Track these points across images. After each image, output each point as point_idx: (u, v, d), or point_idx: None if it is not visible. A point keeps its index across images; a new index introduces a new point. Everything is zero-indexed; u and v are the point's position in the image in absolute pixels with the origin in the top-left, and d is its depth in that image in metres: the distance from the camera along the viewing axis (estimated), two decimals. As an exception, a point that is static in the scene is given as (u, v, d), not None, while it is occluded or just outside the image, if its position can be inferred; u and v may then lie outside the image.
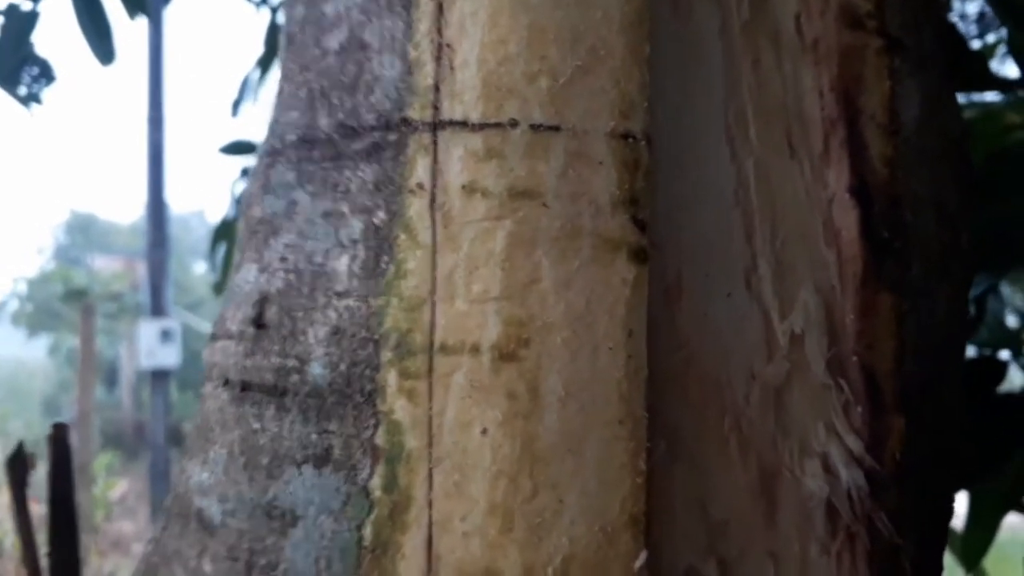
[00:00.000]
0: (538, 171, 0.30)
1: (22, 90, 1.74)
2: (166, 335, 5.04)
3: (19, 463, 0.45)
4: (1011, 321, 0.99)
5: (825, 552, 0.33)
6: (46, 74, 1.76)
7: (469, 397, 0.30)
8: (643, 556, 0.30)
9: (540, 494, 0.30)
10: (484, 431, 0.30)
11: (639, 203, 0.31)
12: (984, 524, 1.04)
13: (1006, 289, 1.12)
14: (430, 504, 0.30)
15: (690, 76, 0.34)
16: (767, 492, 0.33)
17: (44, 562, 0.47)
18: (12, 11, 1.56)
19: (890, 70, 0.36)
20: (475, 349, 0.30)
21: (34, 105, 1.72)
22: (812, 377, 0.34)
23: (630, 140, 0.31)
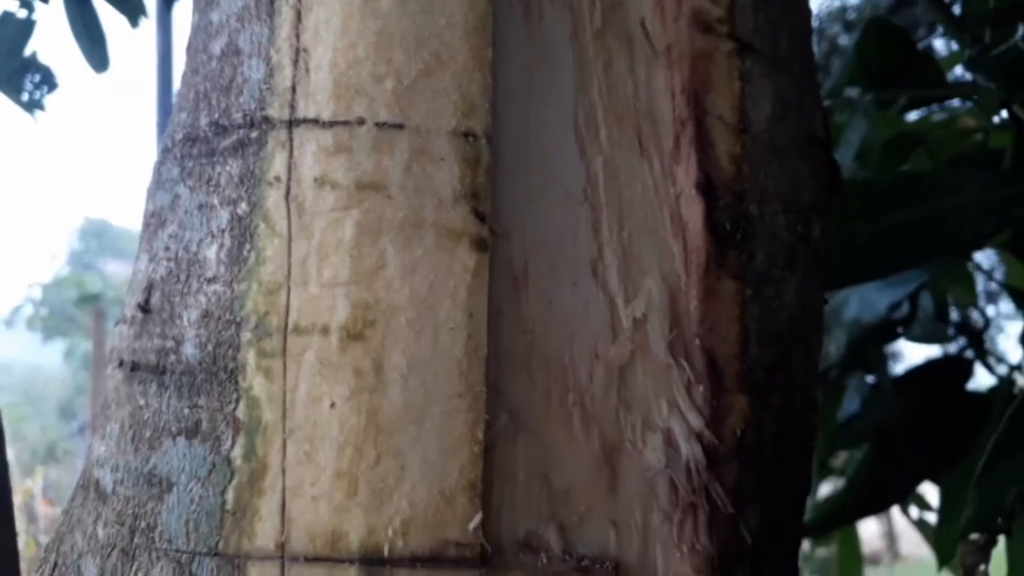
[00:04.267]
0: (383, 165, 0.33)
1: (24, 97, 1.79)
2: (175, 338, 5.09)
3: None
4: (956, 318, 1.00)
5: (667, 520, 0.36)
6: (48, 81, 1.81)
7: (319, 374, 0.33)
8: (478, 518, 0.33)
9: (383, 461, 0.32)
10: (332, 405, 0.33)
11: (480, 197, 0.34)
12: (956, 517, 1.06)
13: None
14: (283, 472, 0.33)
15: (540, 79, 0.37)
16: (609, 464, 0.36)
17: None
18: (7, 19, 1.61)
19: (740, 72, 0.39)
20: (325, 330, 0.33)
21: (45, 112, 1.77)
22: (655, 358, 0.36)
23: (471, 138, 0.34)
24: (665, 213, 0.38)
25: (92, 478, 0.39)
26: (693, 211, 0.37)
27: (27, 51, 1.70)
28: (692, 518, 0.36)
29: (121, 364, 0.38)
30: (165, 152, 0.39)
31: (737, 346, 0.37)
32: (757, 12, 0.40)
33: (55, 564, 0.39)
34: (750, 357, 0.37)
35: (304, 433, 0.33)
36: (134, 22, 1.61)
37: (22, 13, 1.67)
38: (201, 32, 0.39)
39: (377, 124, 0.33)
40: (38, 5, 1.66)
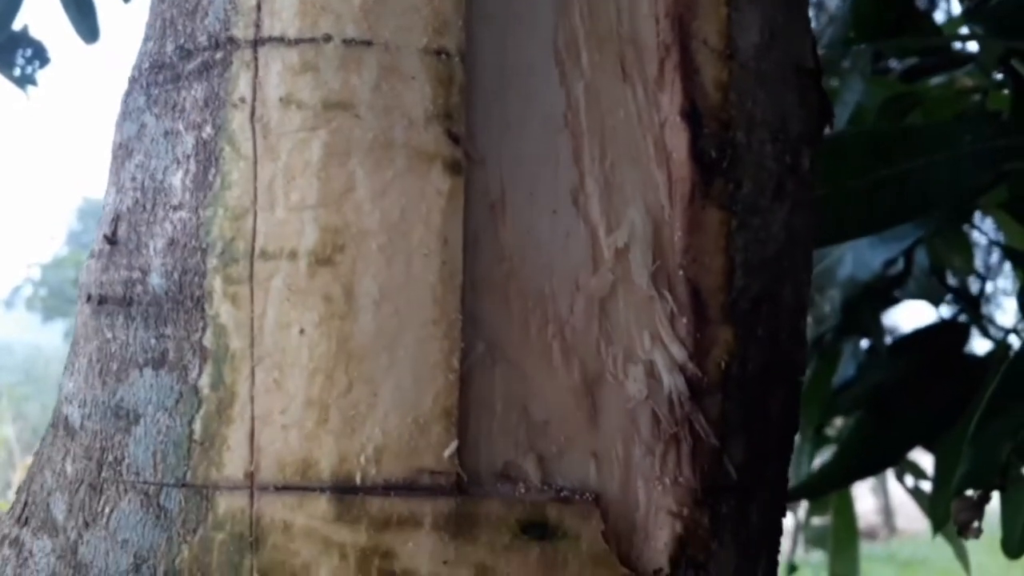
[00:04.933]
0: (351, 84, 0.32)
1: (16, 72, 1.77)
2: (173, 317, 5.10)
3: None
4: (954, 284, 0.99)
5: (649, 453, 0.35)
6: (40, 56, 1.78)
7: (287, 300, 0.32)
8: (453, 446, 0.32)
9: (355, 389, 0.31)
10: (302, 331, 0.32)
11: (453, 118, 0.33)
12: (950, 482, 1.05)
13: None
14: (252, 400, 0.32)
15: (518, 1, 0.35)
16: (590, 395, 0.35)
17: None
18: (-7, -8, 1.58)
19: (726, -3, 0.38)
20: (293, 255, 0.32)
21: (38, 90, 1.75)
22: (637, 289, 0.35)
23: (443, 56, 0.33)
24: (649, 141, 0.37)
25: (61, 415, 0.38)
26: (678, 139, 0.36)
27: (18, 25, 1.68)
28: (675, 450, 0.35)
29: (89, 299, 0.37)
30: (132, 82, 0.38)
31: (722, 277, 0.36)
32: (744, -66, 0.39)
33: (25, 503, 0.38)
34: (735, 289, 0.36)
35: (273, 360, 0.32)
36: (126, -5, 1.58)
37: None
38: (168, -42, 0.38)
39: (344, 41, 0.32)
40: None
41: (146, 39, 0.39)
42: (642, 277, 0.35)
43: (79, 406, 0.36)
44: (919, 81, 1.13)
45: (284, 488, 0.31)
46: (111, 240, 0.36)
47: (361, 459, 0.31)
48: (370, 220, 0.32)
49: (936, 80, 1.22)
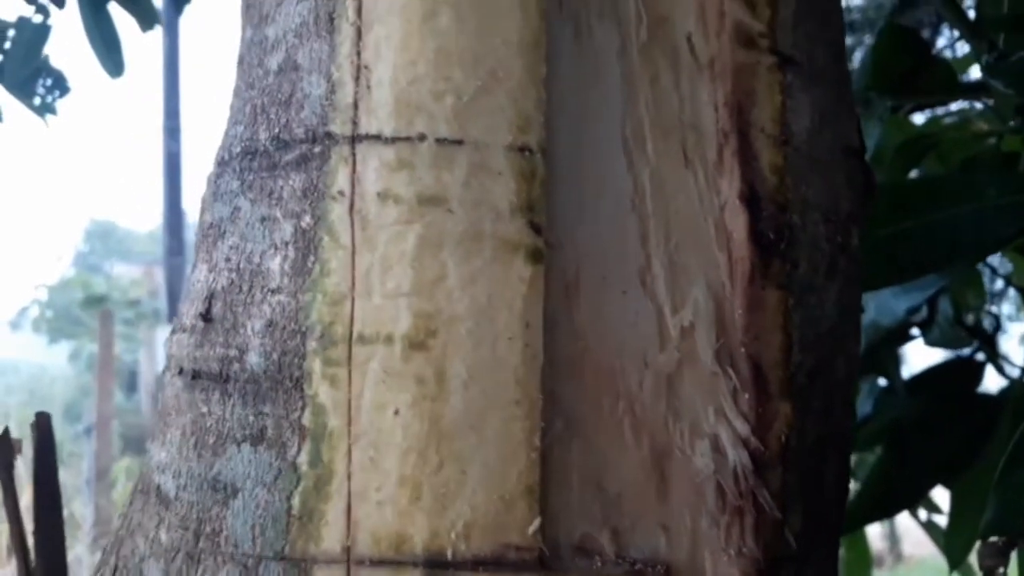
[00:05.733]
0: (444, 180, 0.34)
1: (37, 101, 1.80)
2: (181, 340, 5.10)
3: (4, 447, 0.49)
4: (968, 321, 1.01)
5: (715, 524, 0.37)
6: (60, 85, 1.82)
7: (383, 382, 0.34)
8: (537, 522, 0.34)
9: (445, 467, 0.33)
10: (396, 412, 0.34)
11: (535, 209, 0.35)
12: (966, 521, 1.07)
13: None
14: (349, 477, 0.34)
15: (590, 94, 0.38)
16: (659, 469, 0.37)
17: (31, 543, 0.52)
18: (23, 24, 1.62)
19: (781, 85, 0.40)
20: (389, 339, 0.34)
21: (50, 115, 1.78)
22: (702, 366, 0.37)
23: (527, 153, 0.35)
24: (710, 223, 0.39)
25: (152, 483, 0.40)
26: (737, 221, 0.39)
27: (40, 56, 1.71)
28: (739, 522, 0.37)
29: (181, 372, 0.39)
30: (222, 164, 0.40)
31: (781, 354, 0.38)
32: (797, 26, 0.41)
33: (116, 567, 0.40)
34: (793, 364, 0.39)
35: (369, 439, 0.34)
36: (145, 27, 1.62)
37: (37, 18, 1.68)
38: (256, 47, 0.40)
39: (437, 140, 0.34)
40: (52, 10, 1.68)
41: (234, 122, 0.41)
42: (707, 354, 0.37)
43: (173, 476, 0.38)
44: (930, 112, 1.15)
45: (379, 562, 0.33)
46: (206, 318, 0.38)
47: (452, 535, 0.33)
48: (460, 306, 0.34)
49: (948, 119, 1.25)
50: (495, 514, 0.33)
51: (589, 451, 0.36)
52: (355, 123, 0.35)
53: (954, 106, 1.27)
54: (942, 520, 1.27)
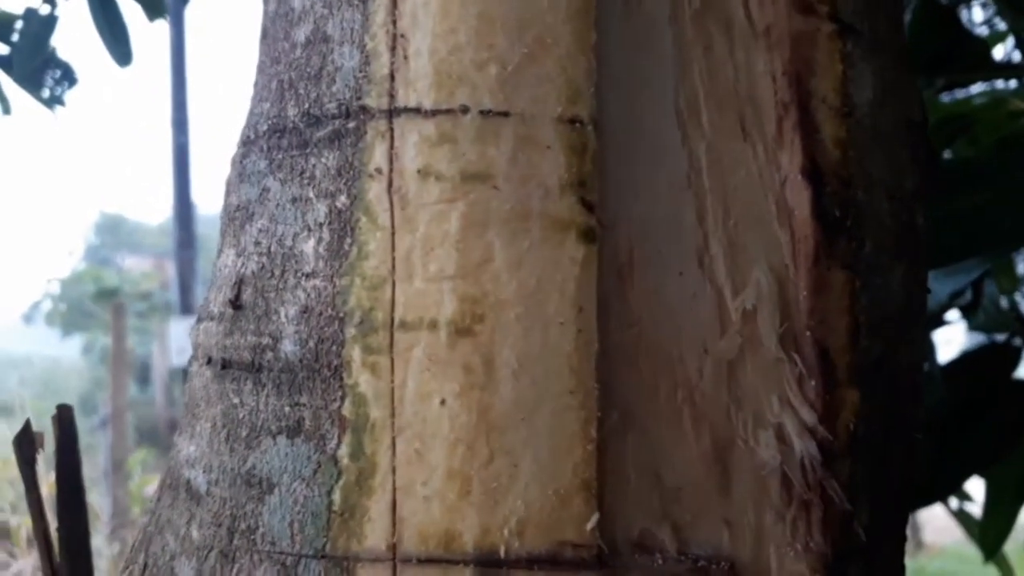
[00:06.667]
0: (488, 155, 0.32)
1: (45, 92, 1.79)
2: (195, 333, 5.12)
3: (26, 442, 0.47)
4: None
5: (780, 519, 0.35)
6: (68, 77, 1.80)
7: (428, 370, 0.32)
8: (595, 518, 0.32)
9: (496, 460, 0.31)
10: (443, 402, 0.32)
11: (587, 185, 0.33)
12: (1002, 512, 1.04)
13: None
14: (393, 471, 0.32)
15: (641, 63, 0.35)
16: (721, 461, 0.34)
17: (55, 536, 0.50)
18: (31, 15, 1.60)
19: (842, 54, 0.38)
20: (433, 325, 0.32)
21: (59, 108, 1.77)
22: (765, 352, 0.35)
23: (577, 125, 0.33)
24: (770, 200, 0.36)
25: (182, 478, 0.38)
26: (799, 198, 0.36)
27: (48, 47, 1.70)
28: (806, 516, 0.35)
29: (210, 361, 0.37)
30: (248, 144, 0.38)
31: (848, 338, 0.36)
32: (858, -9, 0.39)
33: (145, 565, 0.38)
34: (860, 349, 0.36)
35: (414, 431, 0.32)
36: (152, 16, 1.60)
37: (45, 9, 1.66)
38: (280, 19, 0.38)
39: (481, 112, 0.32)
40: (59, 1, 1.66)
41: (259, 99, 0.39)
42: (770, 339, 0.35)
43: (204, 471, 0.36)
44: (957, 92, 1.12)
45: (427, 560, 0.31)
46: (236, 304, 0.36)
47: (504, 532, 0.31)
48: (508, 290, 0.32)
49: (979, 98, 1.22)
50: (550, 510, 0.31)
51: (646, 443, 0.34)
52: (392, 96, 0.33)
53: (984, 86, 1.24)
54: (972, 508, 1.25)
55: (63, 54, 1.75)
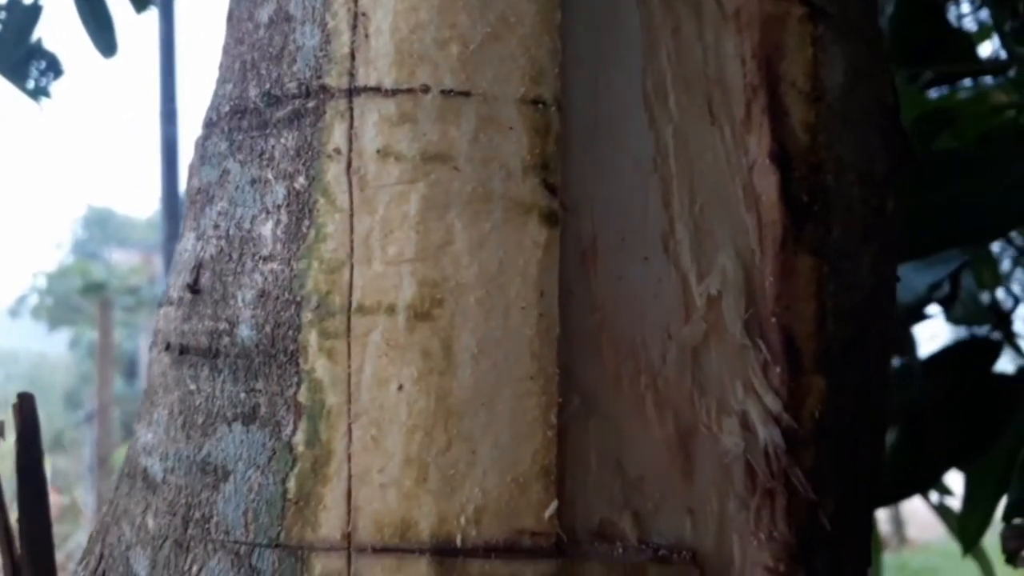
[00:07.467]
0: (450, 135, 0.31)
1: (30, 84, 1.77)
2: (181, 327, 5.10)
3: (-15, 431, 0.46)
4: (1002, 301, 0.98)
5: (744, 507, 0.34)
6: (54, 68, 1.78)
7: (385, 355, 0.31)
8: (553, 506, 0.31)
9: (454, 447, 0.31)
10: (400, 387, 0.31)
11: (550, 167, 0.32)
12: (980, 506, 1.04)
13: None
14: (349, 458, 0.31)
15: (607, 44, 0.35)
16: (684, 449, 0.34)
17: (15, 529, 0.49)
18: (14, 5, 1.58)
19: (812, 37, 0.37)
20: (391, 309, 0.31)
21: (45, 100, 1.75)
22: (730, 338, 0.35)
23: (540, 106, 0.32)
24: (738, 184, 0.36)
25: (139, 466, 0.37)
26: (767, 182, 0.36)
27: (32, 37, 1.68)
28: (770, 505, 0.34)
29: (168, 347, 0.37)
30: (210, 126, 0.37)
31: (814, 324, 0.35)
32: (829, -26, 0.38)
33: (101, 555, 0.37)
34: (827, 336, 0.36)
35: (371, 417, 0.31)
36: (139, 8, 1.58)
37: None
38: (246, 0, 0.37)
39: (442, 92, 0.31)
40: (42, -11, 1.64)
41: (222, 80, 0.38)
42: (735, 325, 0.35)
43: (160, 459, 0.35)
44: (945, 87, 1.12)
45: (383, 550, 0.30)
46: (194, 289, 0.35)
47: (461, 520, 0.30)
48: (468, 273, 0.31)
49: (964, 93, 1.22)
50: (508, 497, 0.31)
51: (608, 429, 0.33)
52: (352, 75, 0.32)
53: (969, 80, 1.24)
54: (953, 502, 1.25)
55: (49, 45, 1.73)
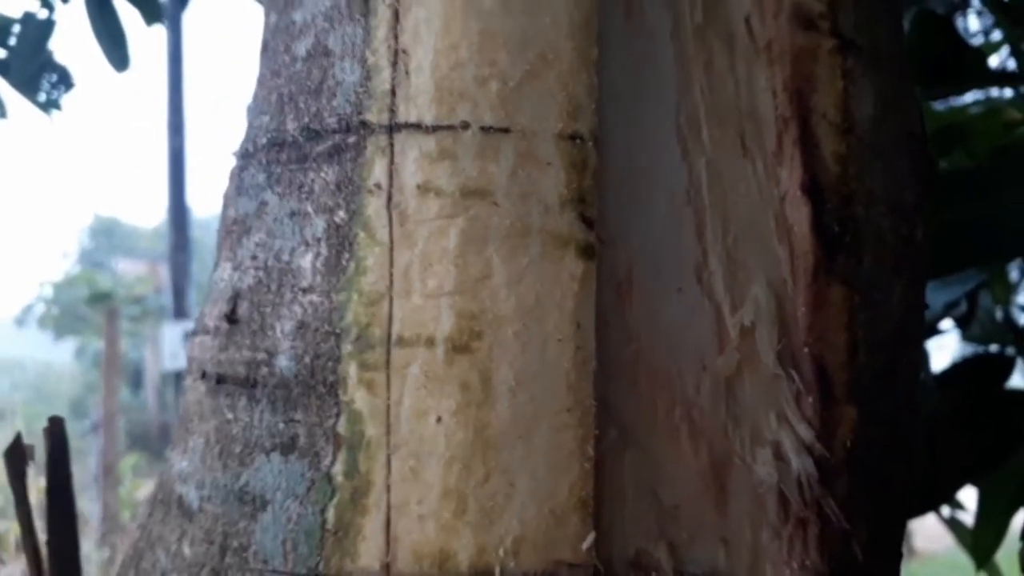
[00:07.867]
0: (489, 171, 0.32)
1: (41, 96, 1.78)
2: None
3: (17, 454, 0.47)
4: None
5: (776, 537, 0.34)
6: (65, 81, 1.80)
7: (424, 387, 0.31)
8: (591, 537, 0.31)
9: (492, 478, 0.31)
10: (439, 419, 0.31)
11: (587, 201, 0.33)
12: (994, 521, 1.04)
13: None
14: (388, 489, 0.31)
15: (642, 78, 0.35)
16: (718, 479, 0.34)
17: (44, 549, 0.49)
18: (28, 19, 1.60)
19: (843, 70, 0.37)
20: (430, 342, 0.32)
21: (55, 111, 1.77)
22: (763, 368, 0.35)
23: (577, 141, 0.32)
24: (770, 216, 0.36)
25: (174, 494, 0.37)
26: (799, 214, 0.36)
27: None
28: (802, 534, 0.34)
29: (204, 376, 0.37)
30: (246, 157, 0.38)
31: (846, 355, 0.36)
32: (858, 8, 0.39)
33: (137, 582, 0.38)
34: (858, 366, 0.36)
35: (410, 449, 0.31)
36: (150, 21, 1.60)
37: (43, 14, 1.66)
38: (282, 33, 0.38)
39: (482, 128, 0.32)
40: (57, 5, 1.66)
41: (258, 112, 0.39)
42: (768, 356, 0.35)
43: (196, 487, 0.36)
44: (954, 98, 1.12)
45: (423, 580, 0.31)
46: (231, 319, 0.36)
47: (500, 551, 0.31)
48: (506, 306, 0.32)
49: (974, 107, 1.22)
50: (546, 529, 0.31)
51: (644, 461, 0.34)
52: (393, 111, 0.32)
53: (979, 95, 1.24)
54: (964, 516, 1.25)
55: (60, 58, 1.75)
